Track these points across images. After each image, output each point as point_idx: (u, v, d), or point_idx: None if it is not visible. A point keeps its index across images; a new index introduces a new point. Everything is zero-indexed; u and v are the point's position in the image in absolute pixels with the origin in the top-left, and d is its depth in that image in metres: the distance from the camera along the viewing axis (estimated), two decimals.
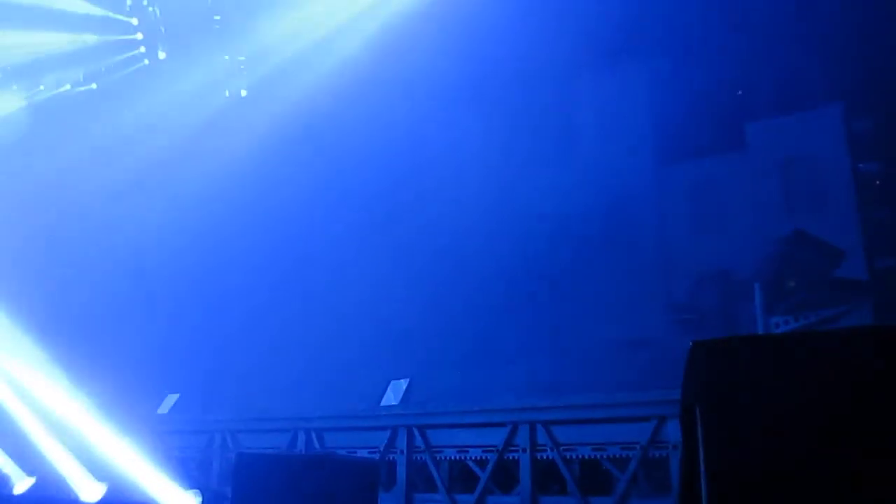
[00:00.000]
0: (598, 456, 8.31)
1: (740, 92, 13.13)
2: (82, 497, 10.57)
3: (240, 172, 16.25)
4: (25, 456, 11.19)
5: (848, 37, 11.69)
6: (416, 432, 9.53)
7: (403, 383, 10.32)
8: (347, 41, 14.84)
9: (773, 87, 13.27)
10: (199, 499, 9.81)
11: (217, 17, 14.53)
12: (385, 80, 15.24)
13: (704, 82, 13.21)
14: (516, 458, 8.76)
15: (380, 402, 10.26)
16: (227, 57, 15.29)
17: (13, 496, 11.05)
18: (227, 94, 15.65)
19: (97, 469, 10.85)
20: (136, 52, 14.92)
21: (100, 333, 12.92)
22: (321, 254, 16.92)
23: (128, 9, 14.35)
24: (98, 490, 10.72)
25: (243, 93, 15.67)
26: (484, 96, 15.42)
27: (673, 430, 7.71)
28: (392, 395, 10.28)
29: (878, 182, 13.51)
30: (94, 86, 15.30)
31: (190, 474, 11.36)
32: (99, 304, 13.88)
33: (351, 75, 14.96)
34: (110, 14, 14.51)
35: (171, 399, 12.29)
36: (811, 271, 8.69)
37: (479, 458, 9.06)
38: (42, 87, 14.95)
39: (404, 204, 16.39)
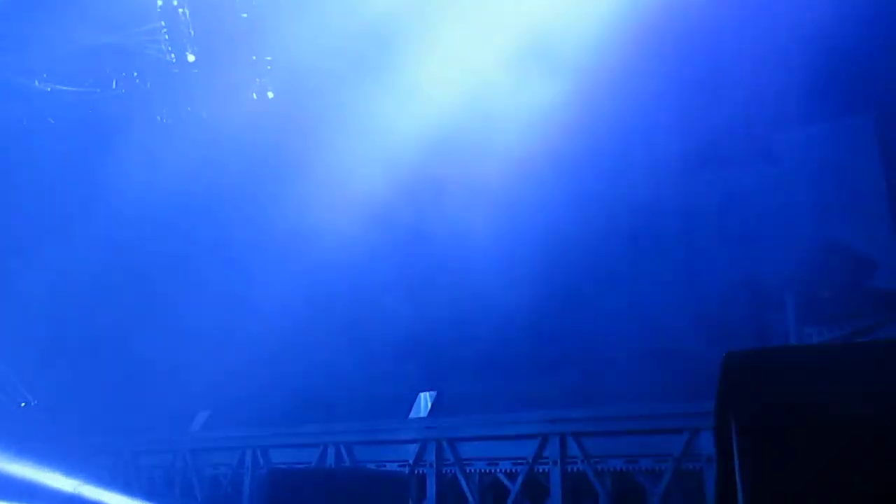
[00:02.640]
0: (631, 468, 8.23)
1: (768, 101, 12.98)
2: None
3: (268, 185, 16.24)
4: None
5: (880, 45, 11.56)
6: (445, 445, 9.52)
7: (432, 395, 10.32)
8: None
9: (802, 95, 13.12)
10: None
11: (244, 16, 14.06)
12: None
13: (732, 90, 13.08)
14: (546, 470, 8.70)
15: (409, 414, 10.26)
16: (254, 57, 14.86)
17: None
18: (254, 96, 15.28)
19: None
20: (164, 55, 14.65)
21: (129, 350, 13.02)
22: (348, 268, 16.90)
23: (158, 10, 14.01)
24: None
25: (270, 94, 15.28)
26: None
27: (706, 443, 7.63)
28: (421, 407, 10.29)
29: None
30: (122, 90, 15.02)
31: (224, 491, 11.44)
32: (127, 321, 13.94)
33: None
34: (138, 17, 14.19)
35: (203, 416, 12.37)
36: (844, 281, 8.59)
37: (509, 470, 9.02)
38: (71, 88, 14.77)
39: (429, 218, 16.33)
